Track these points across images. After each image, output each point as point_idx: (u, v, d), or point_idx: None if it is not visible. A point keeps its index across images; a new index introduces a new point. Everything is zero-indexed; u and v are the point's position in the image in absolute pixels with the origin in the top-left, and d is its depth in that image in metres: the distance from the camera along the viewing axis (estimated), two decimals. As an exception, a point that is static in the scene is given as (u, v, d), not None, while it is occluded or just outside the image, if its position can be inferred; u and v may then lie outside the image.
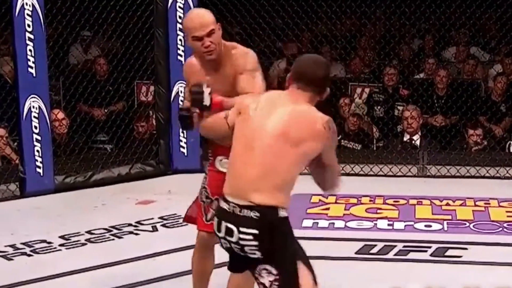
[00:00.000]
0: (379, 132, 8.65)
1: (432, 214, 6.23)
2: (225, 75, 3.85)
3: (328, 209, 6.41)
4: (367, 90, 9.18)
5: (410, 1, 8.33)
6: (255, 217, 3.14)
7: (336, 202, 6.56)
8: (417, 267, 5.09)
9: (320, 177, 3.37)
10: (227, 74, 3.86)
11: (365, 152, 8.27)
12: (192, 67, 3.94)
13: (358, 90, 9.24)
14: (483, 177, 7.36)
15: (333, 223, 6.06)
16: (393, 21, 9.19)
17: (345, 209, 6.38)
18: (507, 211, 6.32)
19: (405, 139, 8.06)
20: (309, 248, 5.41)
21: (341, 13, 8.73)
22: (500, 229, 5.92)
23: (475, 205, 6.45)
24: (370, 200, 6.61)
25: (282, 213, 3.23)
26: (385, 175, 7.52)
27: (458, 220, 6.10)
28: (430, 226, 5.97)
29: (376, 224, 6.00)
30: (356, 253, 5.40)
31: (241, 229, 3.14)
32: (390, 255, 5.33)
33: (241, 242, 3.15)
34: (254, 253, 3.16)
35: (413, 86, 8.87)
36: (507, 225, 6.00)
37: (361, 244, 5.52)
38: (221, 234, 3.21)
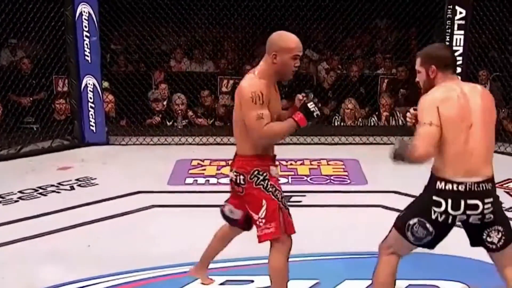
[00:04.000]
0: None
1: (280, 171, 6.32)
2: (278, 97, 3.35)
3: (204, 169, 6.43)
4: (231, 82, 9.23)
5: (262, 12, 8.42)
6: (490, 188, 2.88)
7: (210, 165, 6.59)
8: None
9: None
10: (278, 96, 3.35)
11: (232, 126, 8.32)
12: (268, 87, 3.18)
13: (225, 82, 9.28)
14: (316, 143, 7.53)
15: (208, 180, 6.08)
16: (249, 29, 9.25)
17: (217, 170, 6.40)
18: (333, 168, 6.49)
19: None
20: (191, 199, 5.51)
21: (208, 23, 8.74)
22: (329, 181, 6.08)
23: (311, 164, 6.59)
24: (235, 162, 6.66)
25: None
26: (245, 144, 7.60)
27: (299, 175, 6.23)
28: (279, 180, 6.07)
29: (240, 179, 6.06)
30: (226, 201, 5.44)
31: (486, 200, 2.86)
32: (251, 202, 5.39)
33: (485, 211, 2.87)
34: (490, 217, 2.90)
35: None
36: (334, 177, 6.16)
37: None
38: (459, 212, 2.86)
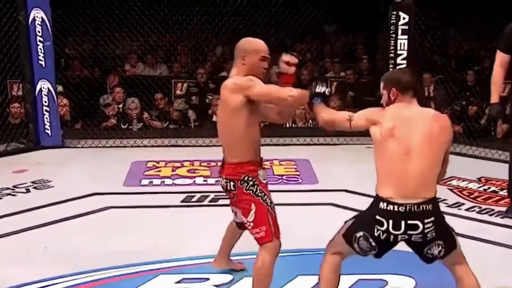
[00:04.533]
0: (196, 115, 8.72)
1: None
2: None
3: (160, 171, 6.39)
4: (185, 85, 9.20)
5: (214, 17, 8.41)
6: (430, 208, 2.89)
7: (165, 166, 6.56)
8: (224, 210, 5.18)
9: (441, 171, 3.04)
10: None
11: (186, 129, 8.34)
12: None
13: (179, 85, 9.25)
14: (268, 144, 7.54)
15: (164, 181, 6.04)
16: (201, 33, 9.23)
17: (172, 171, 6.37)
18: (285, 168, 6.52)
19: (214, 119, 8.14)
20: (148, 200, 5.47)
21: (161, 28, 8.70)
22: (281, 180, 6.10)
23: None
24: (190, 164, 6.63)
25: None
26: (200, 146, 7.60)
27: (252, 175, 6.25)
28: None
29: (195, 180, 6.03)
30: (181, 201, 5.43)
31: (426, 220, 2.88)
32: (206, 201, 5.40)
33: (426, 231, 2.90)
34: (432, 234, 2.91)
35: (218, 81, 8.96)
36: (286, 177, 6.19)
37: (185, 195, 5.56)
38: (400, 231, 2.89)
